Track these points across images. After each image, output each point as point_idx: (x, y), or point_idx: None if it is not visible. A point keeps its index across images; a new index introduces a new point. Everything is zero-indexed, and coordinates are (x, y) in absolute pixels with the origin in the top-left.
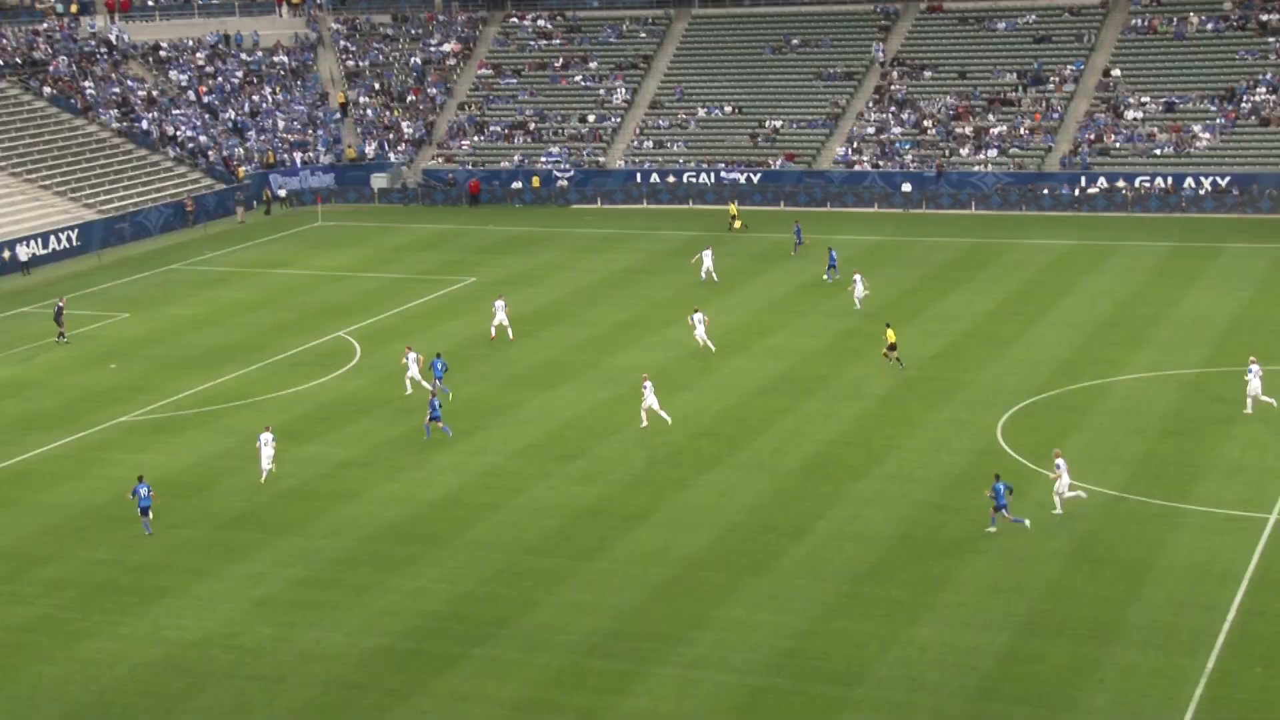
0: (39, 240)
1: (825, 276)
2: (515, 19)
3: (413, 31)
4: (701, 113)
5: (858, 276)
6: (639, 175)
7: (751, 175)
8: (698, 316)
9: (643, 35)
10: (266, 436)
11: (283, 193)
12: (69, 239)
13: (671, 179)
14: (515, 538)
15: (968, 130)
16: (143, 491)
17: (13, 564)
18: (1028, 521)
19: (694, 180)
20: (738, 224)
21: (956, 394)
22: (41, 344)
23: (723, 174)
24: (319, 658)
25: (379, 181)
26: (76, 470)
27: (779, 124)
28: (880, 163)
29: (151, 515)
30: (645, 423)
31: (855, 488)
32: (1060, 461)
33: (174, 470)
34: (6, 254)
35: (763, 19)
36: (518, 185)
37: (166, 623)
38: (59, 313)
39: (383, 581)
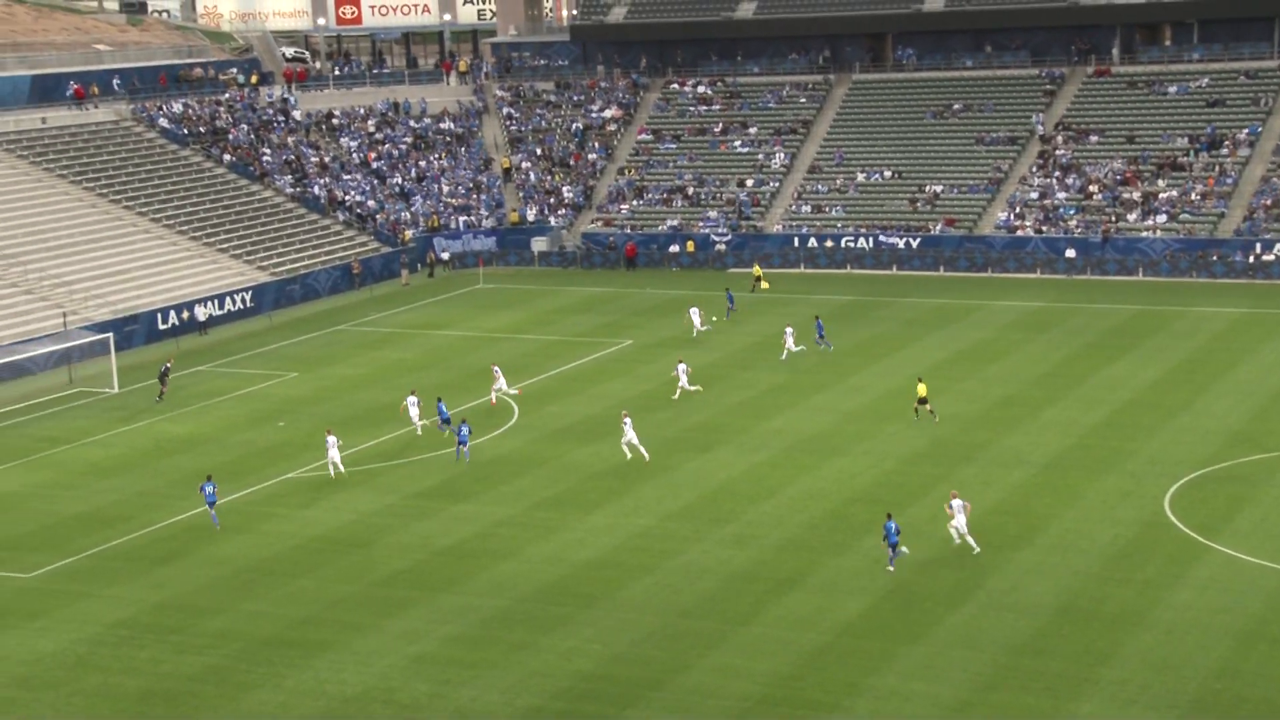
0: (216, 301)
1: (819, 345)
2: (676, 85)
3: (575, 98)
4: (861, 177)
5: (789, 330)
6: (796, 239)
7: (910, 240)
8: (681, 368)
9: (803, 100)
10: (332, 440)
11: (446, 256)
12: (243, 300)
13: (829, 243)
14: (668, 600)
15: (1135, 195)
16: (208, 489)
17: (183, 615)
18: (905, 549)
19: (852, 245)
20: (764, 284)
21: (1122, 463)
22: (215, 401)
23: (881, 238)
24: (474, 715)
25: (539, 244)
26: (244, 524)
27: (939, 188)
28: (1043, 228)
29: (215, 511)
30: (629, 455)
31: (1014, 557)
32: (955, 502)
33: (335, 526)
34: (186, 314)
35: (924, 84)
36: (675, 249)
37: (327, 676)
38: (165, 373)
39: (536, 641)
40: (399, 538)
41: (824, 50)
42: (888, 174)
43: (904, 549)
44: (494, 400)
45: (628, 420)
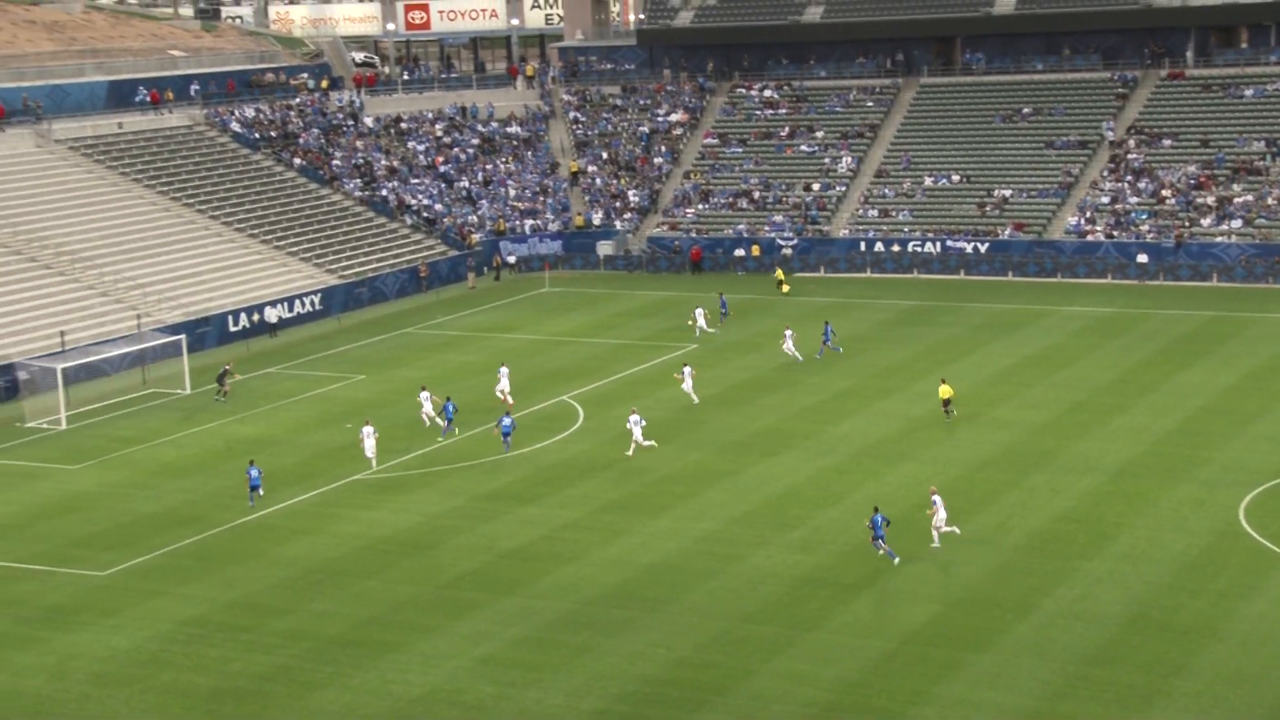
0: (286, 304)
1: (818, 353)
2: (742, 89)
3: (641, 102)
4: (928, 181)
5: (788, 331)
6: (862, 244)
7: (979, 245)
8: (687, 370)
9: (870, 104)
10: (368, 430)
11: (512, 259)
12: (312, 303)
13: (896, 248)
14: (733, 605)
15: (1210, 200)
16: (253, 473)
17: (252, 614)
18: (897, 559)
19: (919, 249)
20: (785, 288)
21: (1195, 472)
22: (284, 403)
23: (948, 243)
24: (538, 717)
25: (605, 248)
26: (312, 526)
27: (1008, 193)
28: (1115, 233)
29: (260, 492)
30: (631, 452)
31: (1084, 566)
32: (936, 498)
33: (402, 528)
34: (256, 316)
35: (993, 87)
36: (740, 253)
37: (394, 677)
38: (224, 374)
39: (601, 644)
40: (465, 540)
41: (894, 54)
42: (955, 178)
43: (896, 559)
44: (507, 400)
45: (635, 417)
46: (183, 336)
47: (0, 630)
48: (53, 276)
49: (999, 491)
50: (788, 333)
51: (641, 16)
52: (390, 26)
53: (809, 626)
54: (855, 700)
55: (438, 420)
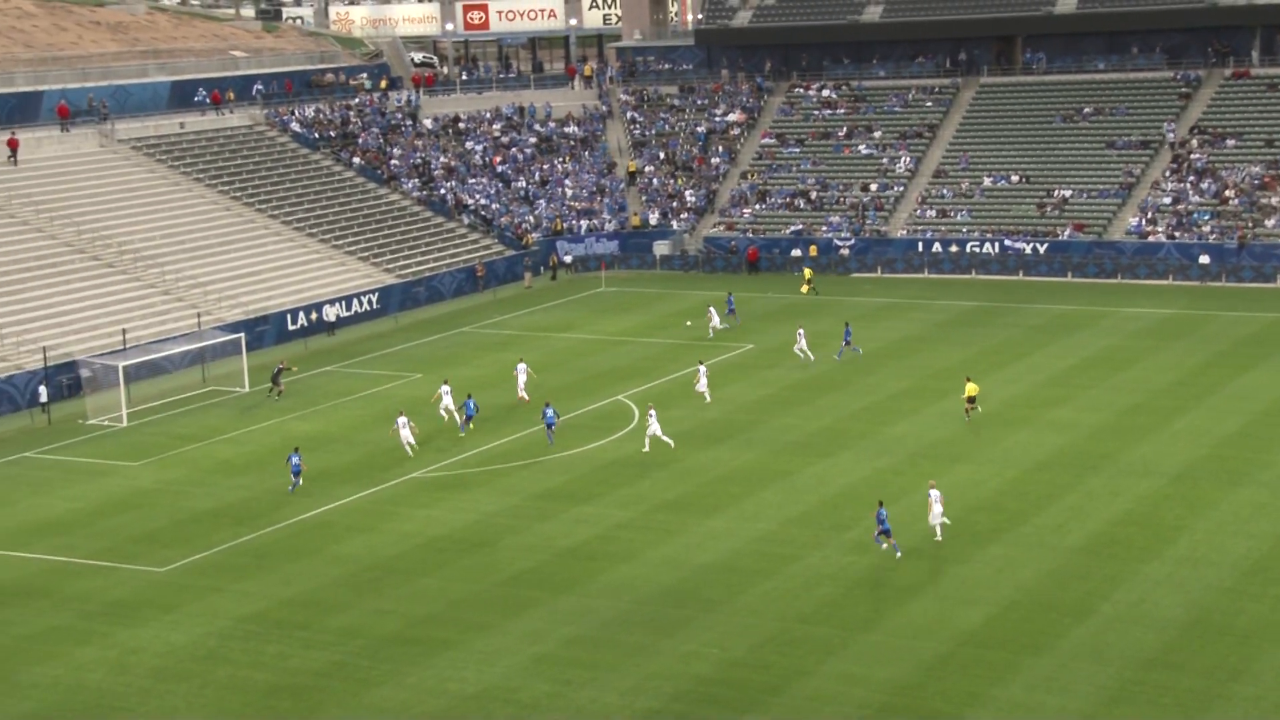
0: (344, 303)
1: (838, 354)
2: (800, 89)
3: (699, 102)
4: (987, 181)
5: (801, 331)
6: (920, 244)
7: (1038, 245)
8: (701, 369)
9: (929, 104)
10: (403, 420)
11: (568, 259)
12: (370, 302)
13: (954, 248)
14: (788, 605)
15: (1274, 200)
16: (294, 460)
17: (309, 611)
18: (900, 554)
19: (977, 250)
20: (806, 289)
21: (1256, 475)
22: (342, 401)
23: (1007, 244)
24: (593, 716)
25: (661, 248)
26: (369, 523)
27: (1068, 193)
28: (1176, 234)
29: (300, 480)
30: (647, 448)
31: (1143, 569)
32: (934, 493)
33: (458, 527)
34: (315, 315)
35: (1054, 87)
36: (797, 253)
37: (449, 675)
38: (279, 373)
39: (655, 644)
40: (521, 538)
41: (957, 53)
42: (1015, 178)
43: (899, 553)
44: (524, 397)
45: (653, 413)
46: (242, 335)
47: (64, 624)
48: (115, 275)
49: (1056, 494)
50: (800, 332)
51: (700, 16)
52: (449, 27)
53: (863, 628)
54: (909, 702)
55: (455, 415)
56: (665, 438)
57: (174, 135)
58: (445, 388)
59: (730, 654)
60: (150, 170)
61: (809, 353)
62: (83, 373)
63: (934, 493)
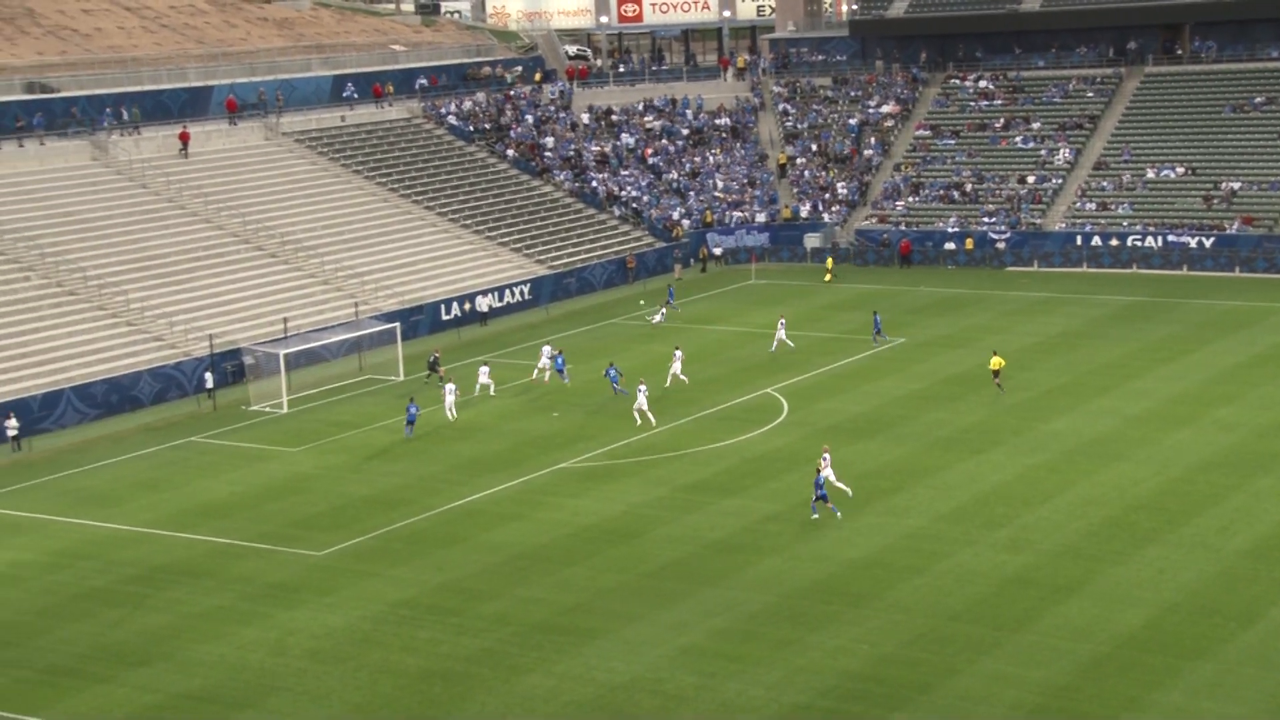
0: (496, 294)
1: (874, 341)
2: (956, 80)
3: (852, 93)
4: (1150, 174)
5: (782, 321)
6: (1079, 237)
7: (1203, 239)
8: (677, 353)
9: (1090, 95)
10: (484, 369)
11: (718, 251)
12: (522, 293)
13: (1114, 242)
14: (938, 603)
15: None
16: (413, 410)
17: (460, 598)
18: (839, 513)
19: (1139, 243)
20: (827, 277)
21: None
22: (493, 391)
23: (1170, 237)
24: (740, 709)
25: (812, 241)
26: (518, 512)
27: (1236, 185)
28: None
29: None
30: (639, 421)
31: None
32: (826, 456)
33: (606, 517)
34: (468, 305)
35: (1223, 76)
36: (951, 246)
37: (597, 664)
38: (435, 362)
39: (803, 638)
40: (669, 530)
41: (1121, 42)
42: (1180, 170)
43: (835, 510)
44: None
45: (643, 387)
46: (397, 324)
47: (226, 605)
48: (278, 265)
49: (1221, 494)
50: (781, 322)
51: (854, 7)
52: (604, 19)
53: (1016, 627)
54: (1064, 704)
55: (488, 388)
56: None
57: (335, 128)
58: (484, 368)
59: (879, 650)
60: (312, 163)
61: (788, 341)
62: (246, 360)
63: (826, 456)
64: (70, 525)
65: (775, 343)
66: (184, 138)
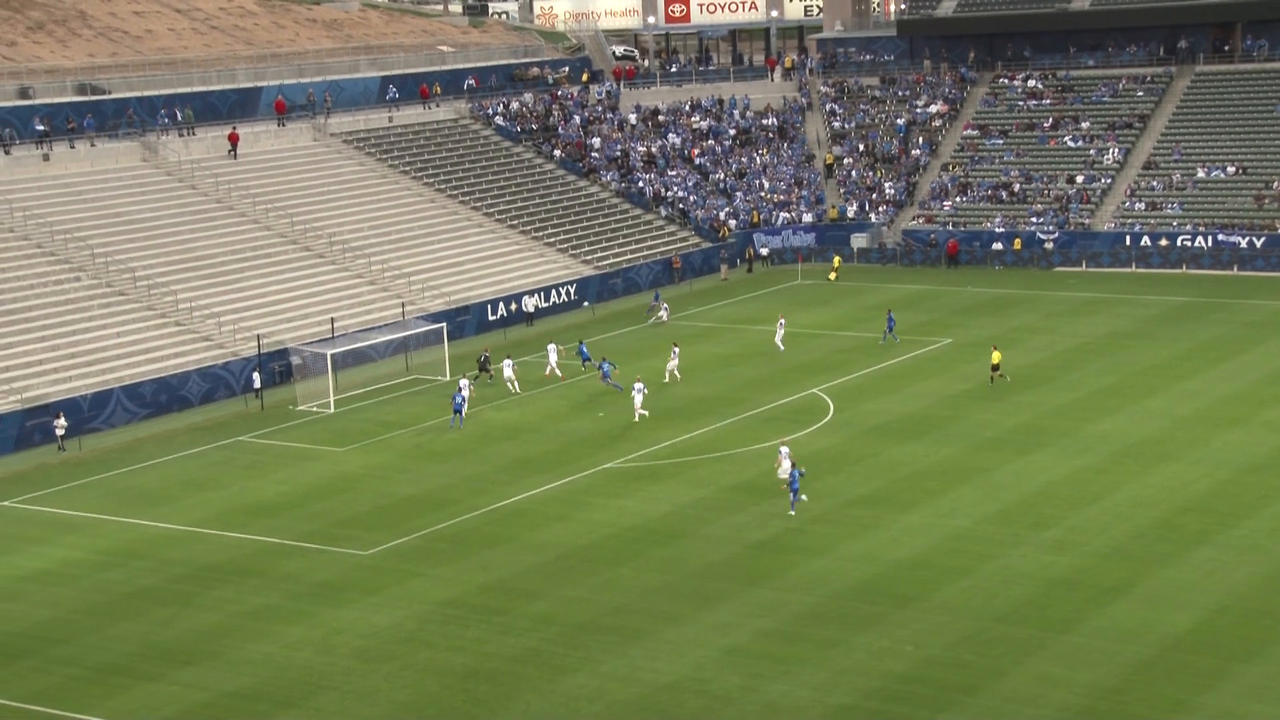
0: (542, 294)
1: (882, 340)
2: (1005, 79)
3: (900, 93)
4: (1201, 173)
5: (782, 318)
6: (1128, 238)
7: (1254, 239)
8: (675, 350)
9: (1140, 94)
10: (552, 346)
11: (765, 251)
12: (568, 292)
13: (1164, 242)
14: (984, 604)
15: None
16: (459, 398)
17: (505, 597)
18: (805, 496)
19: (1189, 243)
20: (831, 275)
21: None
22: (539, 391)
23: (1221, 237)
24: (785, 710)
25: (858, 241)
26: (564, 512)
27: None
28: None
29: (462, 415)
30: (637, 416)
31: None
32: (784, 449)
33: (651, 517)
34: (514, 305)
35: (1275, 75)
36: (998, 247)
37: (642, 664)
38: (485, 361)
39: (848, 639)
40: (713, 530)
41: (1176, 40)
42: (1231, 170)
43: (804, 496)
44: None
45: (639, 385)
46: (443, 325)
47: (273, 604)
48: (325, 265)
49: (1272, 496)
50: (781, 321)
51: (903, 6)
52: (651, 20)
53: (1063, 629)
54: (1111, 707)
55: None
56: (642, 410)
57: (382, 129)
58: (508, 361)
59: (925, 652)
60: (360, 163)
61: (780, 344)
62: (293, 360)
63: (784, 449)
64: (120, 524)
65: (779, 342)
66: (233, 139)
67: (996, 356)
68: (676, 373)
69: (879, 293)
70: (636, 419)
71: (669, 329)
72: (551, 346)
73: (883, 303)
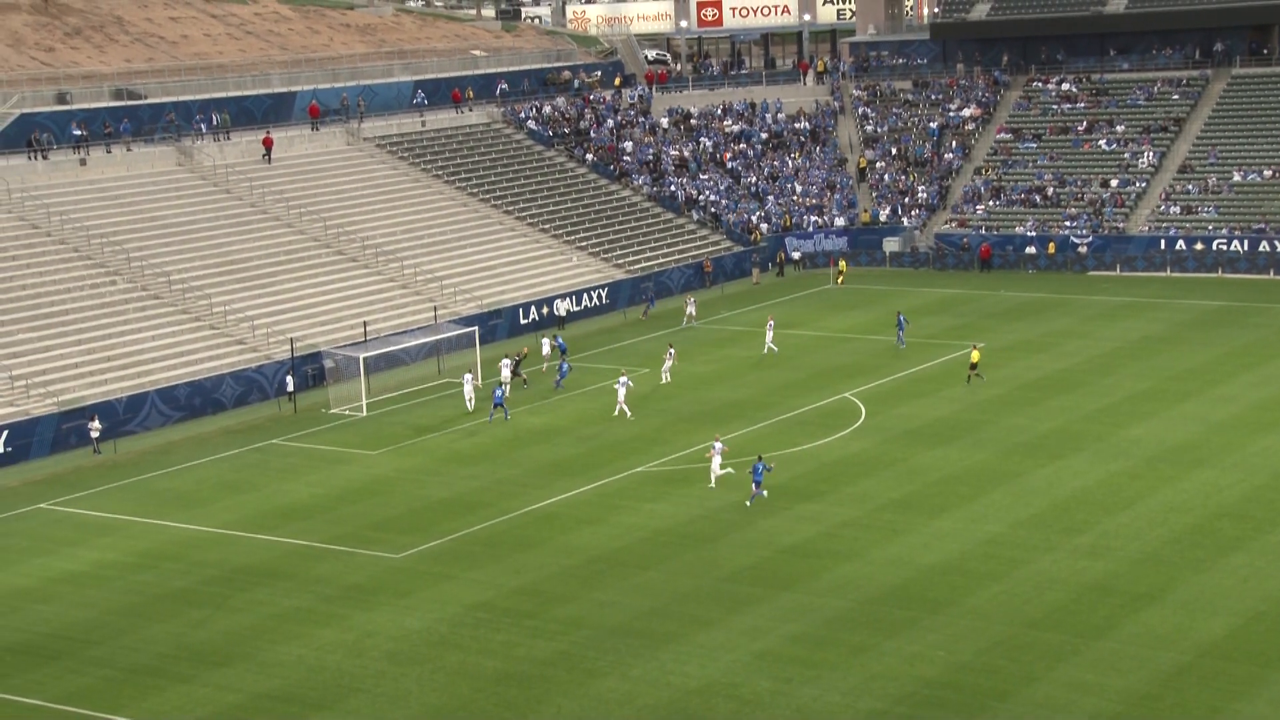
0: (574, 297)
1: (899, 343)
2: (1039, 82)
3: (933, 97)
4: (1237, 177)
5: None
6: (1163, 241)
7: None
8: (671, 351)
9: (1175, 97)
10: (468, 377)
11: (796, 255)
12: (599, 296)
13: (1199, 246)
14: (1017, 609)
15: None
16: (498, 392)
17: (536, 600)
18: (765, 493)
19: (1224, 247)
20: (840, 279)
21: None
22: (570, 395)
23: (1258, 241)
24: (816, 715)
25: (891, 245)
26: (595, 515)
27: None
28: None
29: (503, 409)
30: (630, 415)
31: None
32: (718, 444)
33: (682, 520)
34: (546, 309)
35: None
36: (1032, 250)
37: (672, 668)
38: (519, 361)
39: (879, 644)
40: (744, 534)
41: (1208, 44)
42: (1268, 173)
43: (763, 492)
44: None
45: (624, 380)
46: (475, 328)
47: (305, 607)
48: (358, 269)
49: None
50: (770, 323)
51: (936, 10)
52: (683, 24)
53: (1096, 635)
54: (1144, 713)
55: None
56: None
57: (415, 133)
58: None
59: (957, 657)
60: (393, 167)
61: (773, 345)
62: (326, 363)
63: (717, 444)
64: (154, 526)
65: (766, 345)
66: (267, 143)
67: (975, 356)
68: (668, 376)
69: (911, 297)
70: (616, 414)
71: (696, 333)
72: (546, 341)
73: (915, 307)
